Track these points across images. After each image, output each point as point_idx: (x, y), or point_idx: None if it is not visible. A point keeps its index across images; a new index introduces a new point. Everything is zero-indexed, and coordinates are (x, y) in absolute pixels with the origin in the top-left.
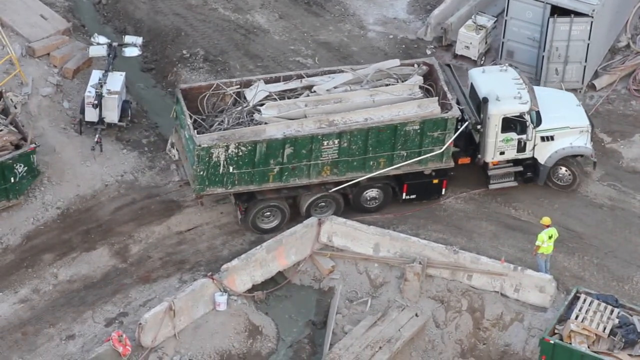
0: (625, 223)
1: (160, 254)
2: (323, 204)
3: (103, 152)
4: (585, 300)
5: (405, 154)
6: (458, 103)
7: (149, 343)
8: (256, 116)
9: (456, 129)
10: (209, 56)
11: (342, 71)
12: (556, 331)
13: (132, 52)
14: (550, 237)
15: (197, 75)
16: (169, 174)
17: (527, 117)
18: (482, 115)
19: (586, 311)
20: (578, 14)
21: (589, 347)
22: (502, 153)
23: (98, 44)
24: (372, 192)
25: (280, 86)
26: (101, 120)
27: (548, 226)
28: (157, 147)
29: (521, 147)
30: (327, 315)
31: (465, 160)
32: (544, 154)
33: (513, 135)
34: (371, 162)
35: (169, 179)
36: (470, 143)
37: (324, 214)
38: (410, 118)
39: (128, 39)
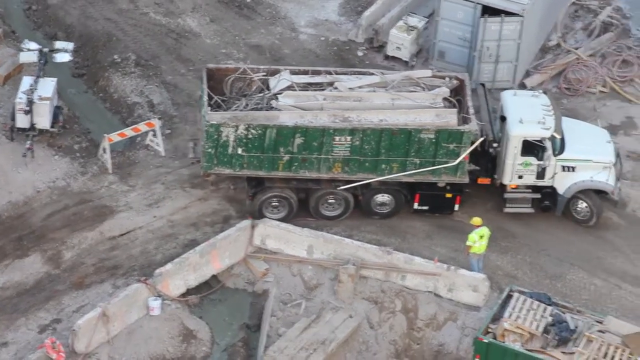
0: (557, 221)
1: (93, 260)
2: (332, 201)
3: (35, 158)
4: (518, 298)
5: (418, 162)
6: (480, 120)
7: (82, 349)
8: (273, 103)
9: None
10: (140, 61)
11: (372, 74)
12: (490, 330)
13: (63, 57)
14: (481, 237)
15: (128, 80)
16: (102, 179)
17: (547, 142)
18: (499, 135)
19: (519, 310)
20: (508, 14)
21: (522, 346)
22: (520, 177)
23: (29, 50)
24: (382, 197)
25: (305, 79)
26: (32, 126)
27: (479, 226)
28: (89, 153)
29: (540, 174)
30: (261, 318)
31: (485, 180)
32: (563, 184)
33: (533, 160)
34: (383, 165)
35: (101, 184)
36: (492, 164)
37: (333, 212)
38: (425, 125)
39: (59, 44)
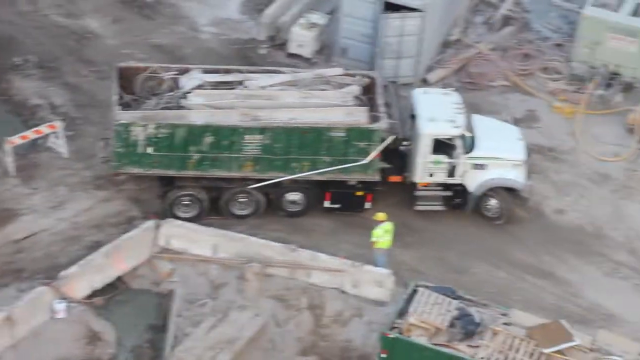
0: (460, 215)
1: None
2: (244, 200)
3: None
4: (423, 293)
5: (329, 161)
6: (390, 118)
7: None
8: (183, 102)
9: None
10: (41, 63)
11: (283, 72)
12: (396, 325)
13: None
14: (386, 232)
15: (29, 83)
16: (4, 182)
17: (457, 141)
18: (410, 133)
19: (425, 304)
20: (410, 9)
21: (428, 340)
22: (431, 175)
23: None
24: (294, 196)
25: (216, 77)
26: None
27: (383, 221)
28: None
29: (451, 172)
30: (167, 319)
31: (397, 178)
32: (474, 181)
33: (443, 158)
34: (294, 164)
35: (3, 187)
36: (404, 162)
37: (244, 211)
38: (335, 124)
39: None
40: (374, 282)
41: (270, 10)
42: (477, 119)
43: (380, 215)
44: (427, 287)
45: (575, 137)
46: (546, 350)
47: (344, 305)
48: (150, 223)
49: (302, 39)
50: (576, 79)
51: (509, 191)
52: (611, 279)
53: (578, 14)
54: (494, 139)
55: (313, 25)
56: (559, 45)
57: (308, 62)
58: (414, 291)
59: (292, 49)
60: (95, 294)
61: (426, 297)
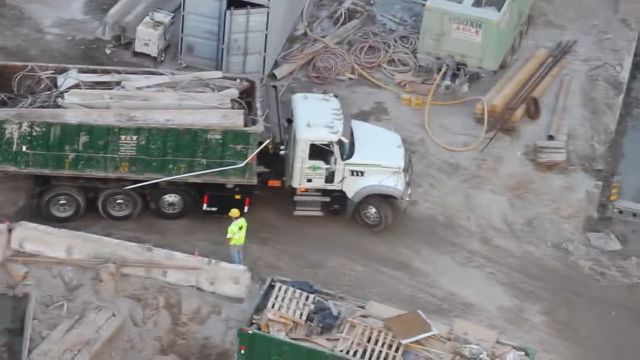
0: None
1: None
2: (121, 201)
3: None
4: (280, 288)
5: (205, 163)
6: (268, 121)
7: None
8: (59, 101)
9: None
10: None
11: (161, 74)
12: (254, 321)
13: None
14: (240, 228)
15: None
16: None
17: (335, 147)
18: (287, 136)
19: (282, 299)
20: (254, 5)
21: (287, 335)
22: (309, 180)
23: None
24: (171, 198)
25: (93, 77)
26: None
27: (237, 218)
28: None
29: (329, 178)
30: (23, 322)
31: (276, 183)
32: (352, 188)
33: (321, 164)
34: (170, 166)
35: None
36: (283, 166)
37: (122, 212)
38: (211, 126)
39: None
40: (231, 279)
41: (114, 10)
42: (357, 125)
43: (235, 212)
44: (283, 282)
45: (425, 128)
46: (404, 341)
47: (201, 302)
48: (2, 226)
49: (147, 38)
50: (422, 71)
51: (386, 198)
52: (465, 268)
53: (422, 5)
54: (373, 146)
55: (158, 23)
56: (404, 37)
57: (154, 61)
58: (271, 286)
59: (138, 47)
60: None
61: (283, 292)
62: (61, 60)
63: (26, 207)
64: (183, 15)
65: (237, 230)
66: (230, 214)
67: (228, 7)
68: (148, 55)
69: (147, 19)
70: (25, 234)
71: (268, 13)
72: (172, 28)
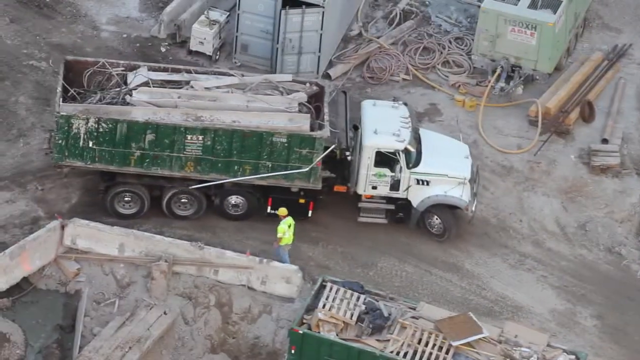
0: None
1: None
2: (185, 200)
3: None
4: (331, 288)
5: (270, 166)
6: (335, 127)
7: None
8: (127, 98)
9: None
10: None
11: (231, 75)
12: (305, 321)
13: None
14: (289, 227)
15: None
16: None
17: (400, 155)
18: (353, 143)
19: (333, 299)
20: (309, 5)
21: (337, 335)
22: (374, 187)
23: None
24: (235, 199)
25: (163, 76)
26: None
27: (285, 216)
28: None
29: (394, 186)
30: (75, 319)
31: (341, 188)
32: (417, 197)
33: (386, 171)
34: (235, 167)
35: None
36: (349, 172)
37: (186, 211)
38: (277, 129)
39: None
40: (282, 278)
41: (170, 8)
42: (426, 134)
43: (283, 210)
44: (334, 282)
45: (478, 130)
46: (455, 343)
47: (252, 302)
48: (55, 223)
49: (202, 37)
50: (477, 72)
51: (452, 209)
52: (517, 270)
53: (477, 7)
54: (440, 155)
55: (213, 22)
56: (458, 38)
57: (209, 60)
58: (322, 286)
59: (193, 46)
60: (1, 295)
61: (334, 292)
62: (117, 58)
63: (79, 204)
64: (238, 14)
65: (287, 229)
66: (278, 212)
67: (283, 7)
68: (203, 54)
69: (202, 17)
70: (77, 230)
71: (323, 13)
72: (227, 27)
